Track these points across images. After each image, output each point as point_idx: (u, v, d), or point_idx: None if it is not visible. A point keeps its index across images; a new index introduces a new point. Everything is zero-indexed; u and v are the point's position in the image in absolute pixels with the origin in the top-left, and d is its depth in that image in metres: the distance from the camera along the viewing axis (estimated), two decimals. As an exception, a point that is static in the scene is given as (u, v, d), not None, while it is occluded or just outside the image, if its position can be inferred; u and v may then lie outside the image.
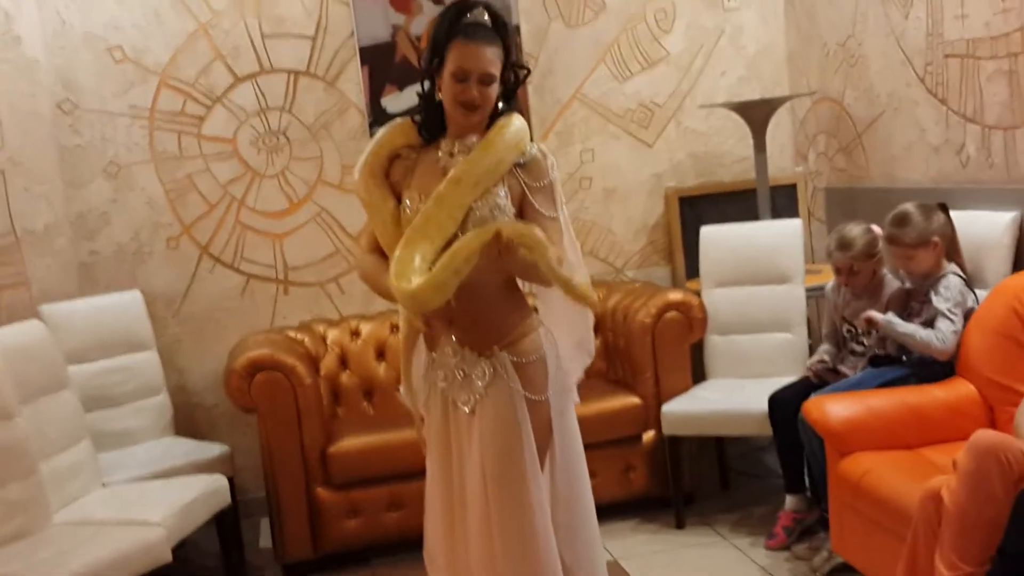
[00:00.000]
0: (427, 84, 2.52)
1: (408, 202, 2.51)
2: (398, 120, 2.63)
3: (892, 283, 3.63)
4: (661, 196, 4.98)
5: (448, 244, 2.42)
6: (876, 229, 3.61)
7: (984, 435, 2.51)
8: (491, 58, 2.42)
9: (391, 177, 2.57)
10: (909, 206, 3.41)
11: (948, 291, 3.35)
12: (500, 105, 2.52)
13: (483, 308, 2.48)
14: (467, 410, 2.52)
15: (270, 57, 4.57)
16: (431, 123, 2.55)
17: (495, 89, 2.45)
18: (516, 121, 2.52)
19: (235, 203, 4.60)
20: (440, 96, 2.48)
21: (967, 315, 3.35)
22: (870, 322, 3.46)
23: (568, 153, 4.90)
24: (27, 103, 4.20)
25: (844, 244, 3.61)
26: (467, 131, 2.52)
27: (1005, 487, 2.42)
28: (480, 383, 2.51)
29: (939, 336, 3.30)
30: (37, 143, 4.24)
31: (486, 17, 2.46)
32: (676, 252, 4.97)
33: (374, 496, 3.98)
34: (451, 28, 2.43)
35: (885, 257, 3.53)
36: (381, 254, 2.57)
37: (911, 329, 3.37)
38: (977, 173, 3.69)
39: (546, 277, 2.37)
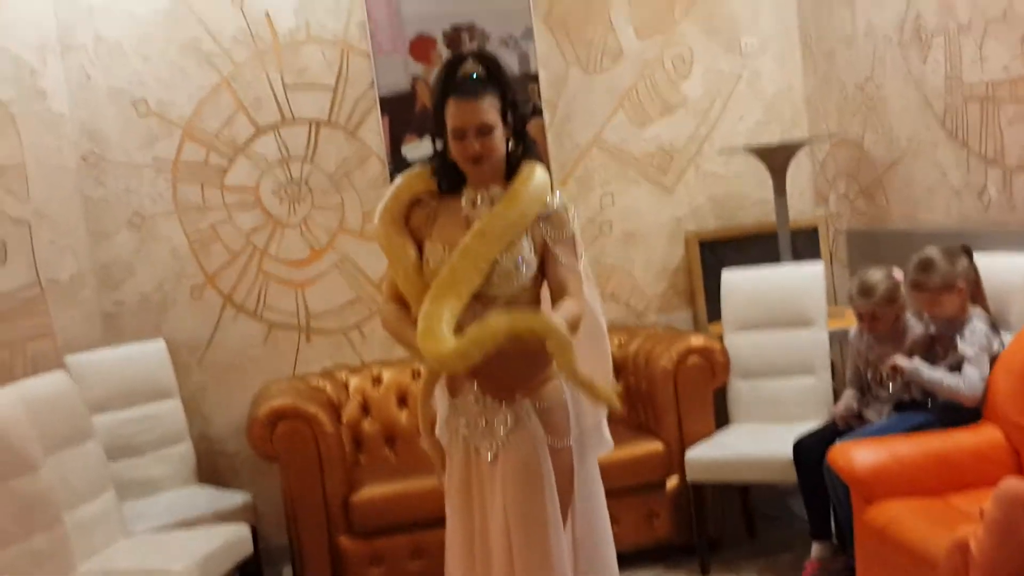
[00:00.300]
0: (439, 143, 2.57)
1: (432, 253, 2.53)
2: (416, 167, 2.66)
3: (915, 327, 3.60)
4: (681, 240, 4.98)
5: (474, 296, 2.45)
6: (897, 274, 3.58)
7: (1011, 484, 2.47)
8: (485, 108, 2.47)
9: (411, 223, 2.60)
10: (932, 250, 3.40)
11: (973, 335, 3.32)
12: (512, 145, 2.56)
13: (505, 357, 2.47)
14: (489, 456, 2.52)
15: (292, 108, 4.63)
16: (449, 177, 2.58)
17: (497, 136, 2.50)
18: (539, 172, 2.55)
19: (257, 252, 4.64)
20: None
21: (993, 359, 3.32)
22: (896, 369, 3.43)
23: (588, 198, 4.91)
24: (53, 156, 4.26)
25: (865, 290, 3.59)
26: (487, 180, 2.55)
27: (1034, 536, 2.39)
28: (502, 430, 2.51)
29: (967, 382, 3.27)
30: (62, 195, 4.30)
31: (479, 67, 2.50)
32: (697, 295, 4.96)
33: (397, 544, 3.97)
34: (445, 88, 2.50)
35: (909, 302, 3.50)
36: (403, 302, 2.58)
37: (938, 376, 3.34)
38: (999, 215, 3.67)
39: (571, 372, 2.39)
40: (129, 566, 3.38)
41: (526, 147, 2.59)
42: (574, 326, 2.43)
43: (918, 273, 3.38)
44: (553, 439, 2.53)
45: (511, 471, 2.49)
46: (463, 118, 2.47)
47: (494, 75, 2.51)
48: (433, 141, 2.60)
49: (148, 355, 4.37)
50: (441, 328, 2.39)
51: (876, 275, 3.60)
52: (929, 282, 3.35)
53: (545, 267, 2.53)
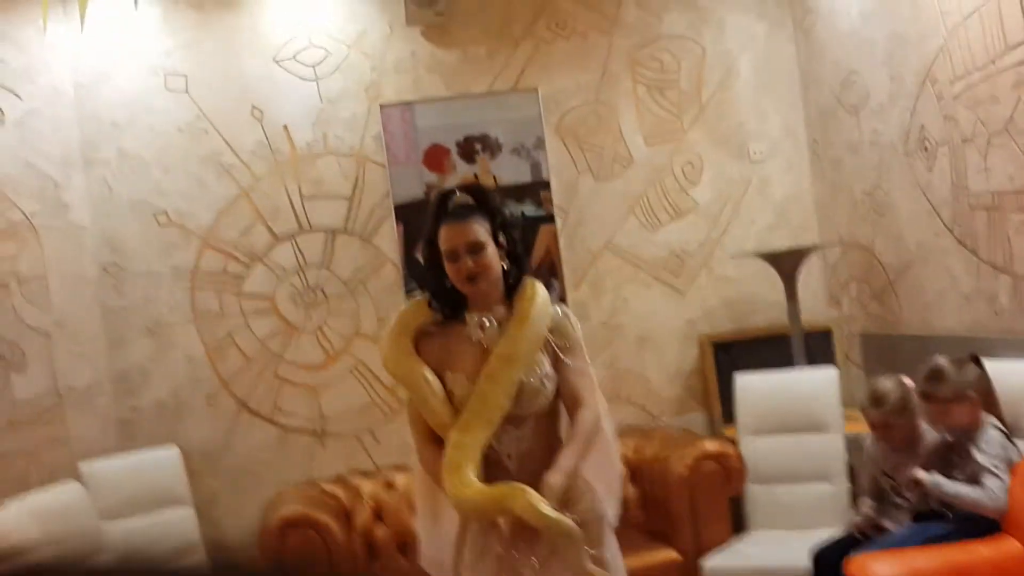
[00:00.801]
0: (435, 274, 2.64)
1: (455, 384, 2.58)
2: (414, 301, 2.74)
3: (930, 434, 3.58)
4: (695, 342, 5.00)
5: (505, 418, 2.53)
6: (909, 382, 3.57)
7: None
8: (475, 228, 2.57)
9: (422, 356, 2.64)
10: (941, 360, 3.40)
11: (989, 446, 3.30)
12: (508, 265, 2.64)
13: (540, 472, 2.50)
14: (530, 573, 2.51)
15: (309, 217, 4.71)
16: (450, 304, 2.66)
17: (490, 253, 2.58)
18: (539, 288, 2.65)
19: (273, 357, 4.67)
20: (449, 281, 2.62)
21: (1010, 467, 3.30)
22: (916, 483, 3.39)
23: (601, 302, 4.95)
24: (73, 267, 4.34)
25: (877, 400, 3.56)
26: (489, 302, 2.62)
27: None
28: (545, 548, 2.50)
29: (989, 495, 3.23)
30: (82, 305, 4.37)
31: (466, 197, 2.63)
32: (712, 397, 4.95)
33: (409, 659, 3.91)
34: (436, 217, 2.61)
35: (921, 412, 3.49)
36: (437, 440, 2.60)
37: (960, 490, 3.29)
38: (1011, 323, 3.68)
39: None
40: None
41: (521, 268, 2.67)
42: (594, 432, 2.54)
43: (927, 384, 3.38)
44: (594, 549, 2.54)
45: None
46: (454, 239, 2.56)
47: (481, 202, 2.63)
48: (429, 272, 2.66)
49: (161, 462, 4.37)
50: (466, 467, 2.44)
51: (887, 384, 3.57)
52: (939, 393, 3.35)
53: (559, 374, 2.60)
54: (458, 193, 2.64)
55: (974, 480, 3.30)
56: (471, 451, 2.47)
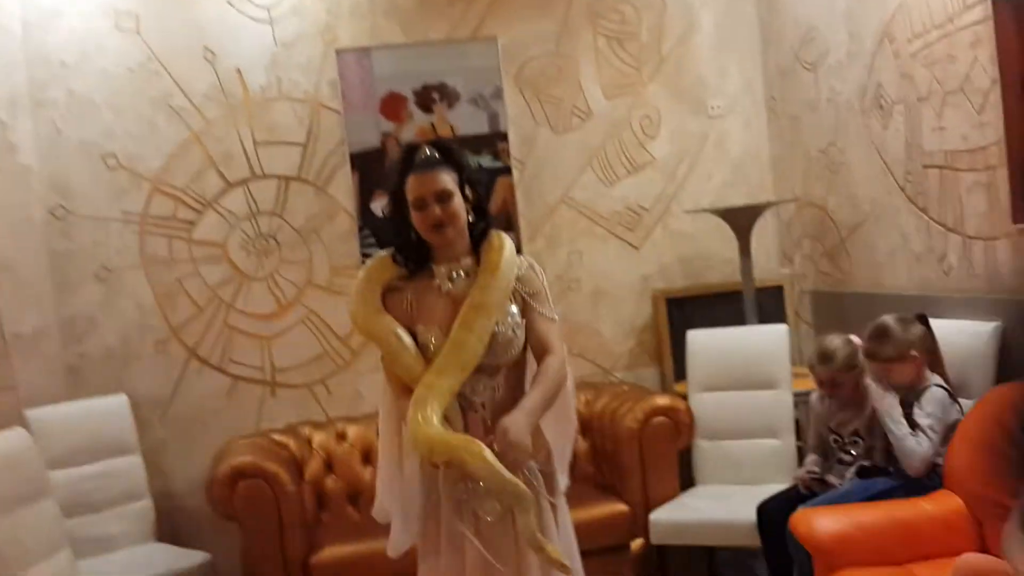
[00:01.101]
0: (401, 227, 2.62)
1: (426, 335, 2.57)
2: (378, 256, 2.71)
3: (873, 394, 3.62)
4: (649, 298, 5.01)
5: (478, 368, 2.53)
6: (856, 340, 3.62)
7: (969, 559, 2.49)
8: (443, 177, 2.57)
9: (391, 312, 2.63)
10: (888, 319, 3.43)
11: (929, 405, 3.35)
12: (474, 218, 2.64)
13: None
14: (490, 520, 2.51)
15: (262, 163, 4.64)
16: (415, 257, 2.64)
17: (457, 202, 2.58)
18: (506, 239, 2.67)
19: (224, 306, 4.62)
20: (415, 233, 2.60)
21: (952, 427, 3.35)
22: (879, 396, 3.40)
23: (556, 255, 4.94)
24: (19, 210, 4.24)
25: (825, 357, 3.62)
26: (456, 253, 2.62)
27: (991, 613, 2.39)
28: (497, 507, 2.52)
29: (918, 448, 3.31)
30: (28, 249, 4.28)
31: (434, 151, 2.62)
32: (664, 353, 4.97)
33: (358, 607, 3.92)
34: (403, 169, 2.60)
35: (866, 369, 3.53)
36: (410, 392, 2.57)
37: (903, 431, 3.35)
38: (960, 282, 3.71)
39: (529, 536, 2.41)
40: (83, 629, 3.32)
41: (487, 221, 2.68)
42: (561, 379, 2.56)
43: (871, 343, 3.42)
44: (553, 497, 2.61)
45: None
46: (422, 188, 2.56)
47: (448, 156, 2.63)
48: (394, 226, 2.64)
49: (110, 410, 4.32)
50: (431, 405, 2.43)
51: (835, 342, 3.64)
52: (882, 352, 3.39)
53: (528, 321, 2.62)
54: (426, 147, 2.63)
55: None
56: (440, 394, 2.46)
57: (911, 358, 3.38)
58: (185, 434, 4.57)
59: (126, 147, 4.51)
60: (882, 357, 3.39)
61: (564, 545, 2.61)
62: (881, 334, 3.41)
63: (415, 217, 2.58)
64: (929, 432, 3.31)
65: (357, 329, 2.70)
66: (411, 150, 2.64)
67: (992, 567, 2.45)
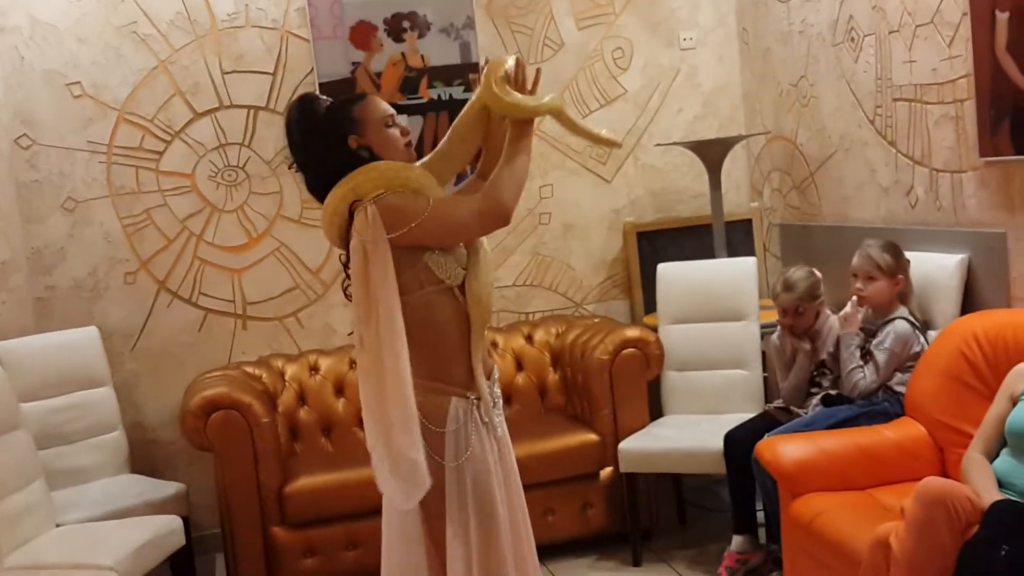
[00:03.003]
0: (348, 155, 2.51)
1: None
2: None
3: (836, 328, 3.70)
4: (620, 231, 5.03)
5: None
6: (817, 272, 3.76)
7: (932, 483, 2.55)
8: None
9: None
10: (873, 240, 3.59)
11: (888, 339, 3.48)
12: None
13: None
14: (500, 431, 2.57)
15: (230, 93, 4.58)
16: None
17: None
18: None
19: (193, 238, 4.59)
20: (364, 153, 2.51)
21: (915, 357, 3.43)
22: (847, 320, 3.55)
23: (528, 188, 4.87)
24: (-18, 139, 4.17)
25: (789, 286, 3.74)
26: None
27: (952, 536, 2.47)
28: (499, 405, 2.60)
29: (861, 379, 3.50)
30: (-7, 179, 4.22)
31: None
32: (635, 287, 5.01)
33: (331, 535, 3.97)
34: (343, 104, 2.57)
35: (856, 265, 3.60)
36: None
37: (853, 363, 3.51)
38: (926, 215, 3.76)
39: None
40: (58, 559, 3.34)
41: None
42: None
43: (884, 250, 3.53)
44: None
45: (511, 449, 2.63)
46: (386, 107, 2.55)
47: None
48: (344, 155, 2.50)
49: (80, 342, 4.31)
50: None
51: (798, 272, 3.76)
52: (881, 260, 3.51)
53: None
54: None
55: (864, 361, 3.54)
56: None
57: (897, 280, 3.52)
58: (157, 367, 4.57)
59: (91, 76, 4.44)
60: (881, 266, 3.52)
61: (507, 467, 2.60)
62: (891, 247, 3.56)
63: (386, 136, 2.51)
64: (880, 366, 3.45)
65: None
66: (310, 99, 2.59)
67: (951, 490, 2.52)
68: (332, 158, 2.49)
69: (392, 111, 2.56)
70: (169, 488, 4.07)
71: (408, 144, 2.56)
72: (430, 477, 2.37)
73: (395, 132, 2.53)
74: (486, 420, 2.52)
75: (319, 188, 2.52)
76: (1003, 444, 2.81)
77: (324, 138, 2.50)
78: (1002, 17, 3.20)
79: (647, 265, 4.84)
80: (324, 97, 2.61)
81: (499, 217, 2.41)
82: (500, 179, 2.41)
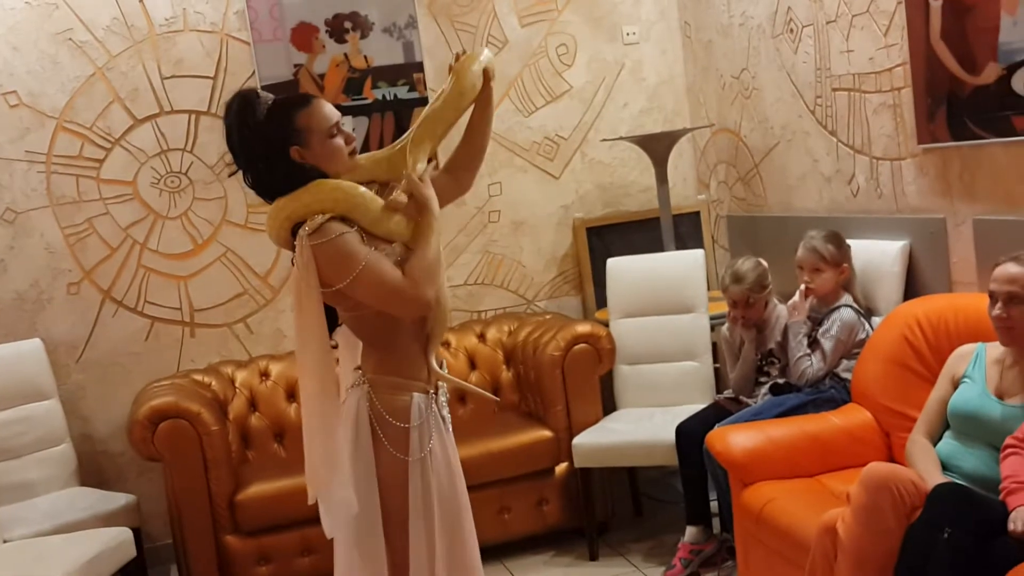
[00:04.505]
0: (292, 167, 2.39)
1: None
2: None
3: (783, 317, 3.74)
4: (569, 227, 5.03)
5: None
6: (764, 262, 3.80)
7: (876, 468, 2.58)
8: None
9: None
10: (815, 232, 3.62)
11: (834, 327, 3.52)
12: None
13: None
14: (449, 427, 2.54)
15: (170, 98, 4.52)
16: None
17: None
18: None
19: (137, 246, 4.52)
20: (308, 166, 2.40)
21: (860, 344, 3.46)
22: (795, 309, 3.60)
23: (476, 186, 4.76)
24: (-84, 151, 4.09)
25: (738, 277, 3.76)
26: (361, 177, 2.50)
27: (898, 519, 2.49)
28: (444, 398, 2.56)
29: (807, 368, 3.54)
30: (-73, 192, 4.13)
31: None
32: (586, 282, 5.02)
33: (285, 542, 3.94)
34: (286, 109, 2.39)
35: (801, 258, 3.63)
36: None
37: (800, 351, 3.55)
38: (867, 203, 3.80)
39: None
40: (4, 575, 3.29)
41: None
42: None
43: (828, 242, 3.57)
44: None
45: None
46: (332, 114, 2.42)
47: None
48: (286, 167, 2.38)
49: (24, 355, 4.24)
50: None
51: (746, 264, 3.79)
52: (826, 251, 3.55)
53: None
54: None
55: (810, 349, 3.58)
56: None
57: (842, 268, 3.57)
58: (104, 377, 4.50)
59: (27, 84, 4.36)
60: (824, 256, 3.56)
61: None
62: (834, 237, 3.59)
63: (330, 147, 2.40)
64: (827, 354, 3.50)
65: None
66: (249, 99, 2.42)
67: (895, 474, 2.55)
68: (274, 168, 2.38)
69: (337, 117, 2.42)
70: (119, 500, 4.01)
71: (352, 152, 2.45)
72: (386, 481, 2.38)
73: (339, 142, 2.41)
74: (444, 415, 2.52)
75: (262, 192, 2.44)
76: (946, 426, 2.85)
77: (265, 146, 2.36)
78: (935, 5, 3.24)
79: (598, 260, 4.85)
80: (265, 94, 2.44)
81: (417, 305, 2.36)
82: (412, 271, 2.34)
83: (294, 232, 2.36)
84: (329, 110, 2.42)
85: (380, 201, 2.39)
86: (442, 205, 2.47)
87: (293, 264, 2.40)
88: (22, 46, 4.34)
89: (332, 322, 2.45)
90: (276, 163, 2.37)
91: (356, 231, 2.34)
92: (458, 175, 2.66)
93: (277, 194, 2.39)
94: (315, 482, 2.41)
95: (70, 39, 4.39)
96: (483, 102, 2.59)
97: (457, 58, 2.60)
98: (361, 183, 2.44)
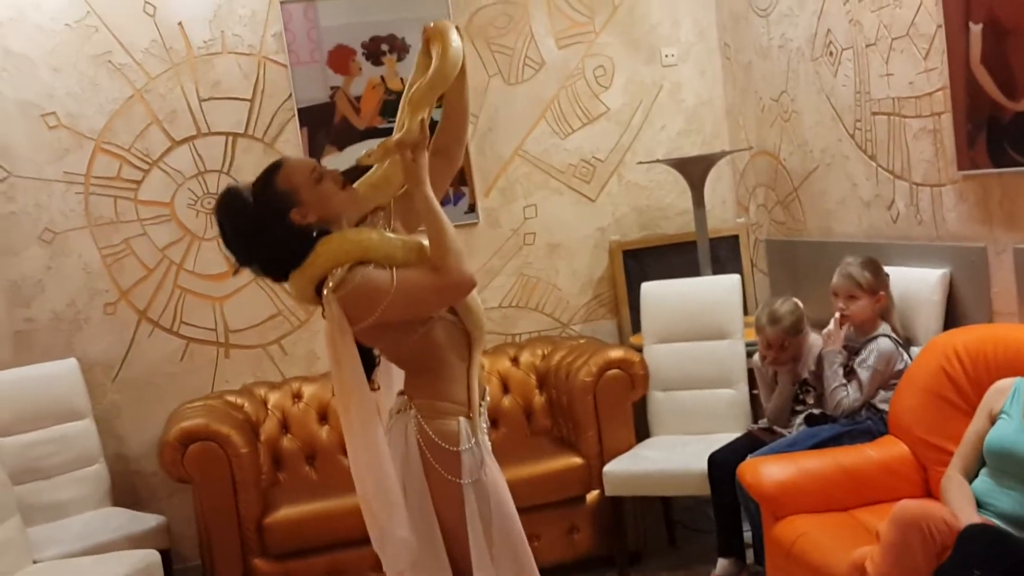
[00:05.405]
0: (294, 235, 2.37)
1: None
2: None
3: (816, 345, 3.66)
4: (605, 250, 4.98)
5: None
6: (800, 304, 3.74)
7: (907, 506, 2.50)
8: None
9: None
10: (853, 258, 3.53)
11: (871, 357, 3.42)
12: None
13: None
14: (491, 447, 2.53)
15: (207, 120, 4.55)
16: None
17: None
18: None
19: (173, 267, 4.55)
20: (313, 221, 2.38)
21: (898, 375, 3.37)
22: (830, 337, 3.51)
23: (511, 209, 4.90)
24: (-43, 172, 4.15)
25: (774, 319, 3.71)
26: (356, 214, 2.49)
27: (927, 559, 2.41)
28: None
29: (848, 400, 3.44)
30: (-32, 212, 4.19)
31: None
32: (622, 305, 4.96)
33: (313, 566, 3.92)
34: (266, 182, 2.37)
35: (836, 284, 3.55)
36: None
37: (836, 381, 3.45)
38: (907, 229, 3.71)
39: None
40: (33, 596, 3.31)
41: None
42: None
43: (863, 267, 3.48)
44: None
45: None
46: (307, 163, 2.42)
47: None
48: (292, 236, 2.35)
49: (59, 374, 4.27)
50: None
51: (785, 306, 3.72)
52: (861, 278, 3.46)
53: None
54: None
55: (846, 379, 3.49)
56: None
57: (879, 296, 3.47)
58: (139, 398, 4.53)
59: (67, 106, 4.41)
60: (860, 283, 3.46)
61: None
62: (872, 262, 3.51)
63: (322, 192, 2.36)
64: (863, 384, 3.39)
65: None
66: (234, 194, 2.41)
67: (926, 512, 2.46)
68: (283, 245, 2.34)
69: (313, 163, 2.41)
70: (149, 521, 4.02)
71: (345, 185, 2.42)
72: (441, 505, 2.38)
73: (327, 184, 2.38)
74: (486, 440, 2.50)
75: (274, 273, 2.42)
76: (982, 463, 2.76)
77: (266, 222, 2.34)
78: (975, 29, 3.16)
79: (633, 283, 4.79)
80: (243, 184, 2.42)
81: (461, 288, 2.35)
82: (439, 253, 2.31)
83: (318, 290, 2.35)
84: (302, 161, 2.44)
85: (388, 236, 2.38)
86: (439, 186, 2.47)
87: (324, 316, 2.39)
88: (62, 68, 4.40)
89: (368, 364, 2.45)
90: (281, 235, 2.34)
91: (373, 266, 2.33)
92: (448, 152, 2.61)
93: (288, 269, 2.37)
94: (374, 525, 2.39)
95: (109, 61, 4.44)
96: (461, 77, 2.54)
97: (426, 31, 2.52)
98: (368, 214, 2.46)
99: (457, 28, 2.52)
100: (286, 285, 2.43)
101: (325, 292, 2.31)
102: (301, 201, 2.35)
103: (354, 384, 2.36)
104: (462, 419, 2.43)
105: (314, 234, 2.36)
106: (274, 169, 2.39)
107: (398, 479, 2.39)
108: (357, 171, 2.51)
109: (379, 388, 2.51)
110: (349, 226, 2.42)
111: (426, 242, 2.37)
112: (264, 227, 2.34)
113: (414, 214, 2.44)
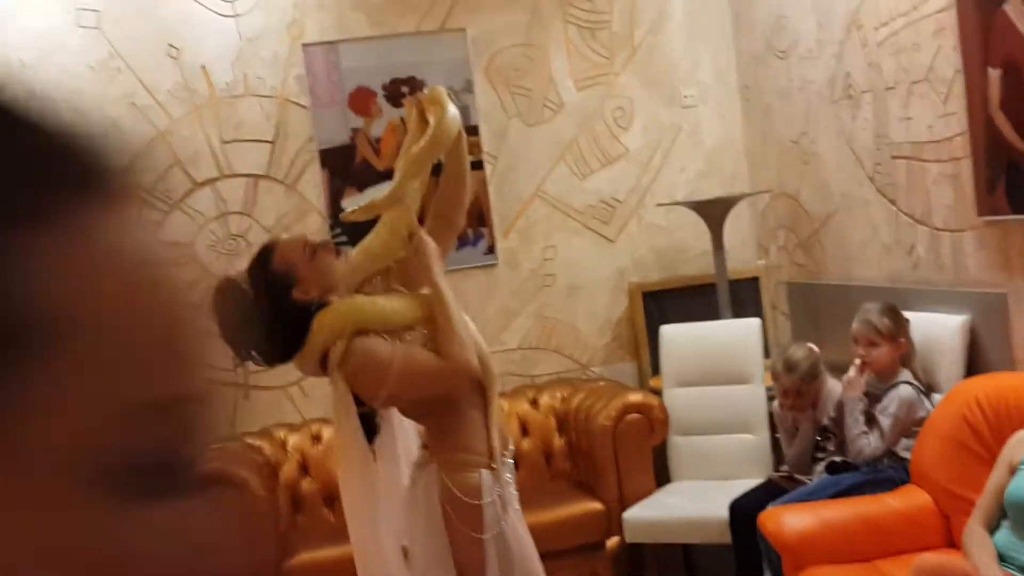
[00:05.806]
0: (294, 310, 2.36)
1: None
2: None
3: (835, 391, 3.62)
4: (625, 291, 4.97)
5: None
6: (816, 350, 3.70)
7: (926, 560, 2.46)
8: None
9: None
10: (872, 305, 3.49)
11: (892, 404, 3.37)
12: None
13: None
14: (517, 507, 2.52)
15: (230, 162, 4.59)
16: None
17: None
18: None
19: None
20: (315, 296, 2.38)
21: (919, 422, 3.33)
22: (851, 384, 3.45)
23: (530, 250, 4.90)
24: (-18, 214, 4.19)
25: (790, 366, 3.67)
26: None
27: (948, 614, 2.37)
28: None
29: (869, 449, 3.38)
30: (-8, 254, 4.23)
31: None
32: (641, 347, 4.93)
33: (331, 611, 3.89)
34: (261, 267, 2.36)
35: (856, 331, 3.51)
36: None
37: (857, 429, 3.40)
38: (928, 274, 3.68)
39: None
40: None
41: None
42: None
43: (883, 314, 3.43)
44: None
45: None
46: (297, 239, 2.43)
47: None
48: (290, 313, 2.33)
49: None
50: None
51: (799, 352, 3.69)
52: (881, 325, 3.41)
53: None
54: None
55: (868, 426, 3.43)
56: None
57: (899, 343, 3.42)
58: (158, 437, 4.53)
59: (91, 149, 4.46)
60: (880, 329, 3.42)
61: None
62: (890, 310, 3.46)
63: (317, 267, 2.36)
64: (885, 432, 3.34)
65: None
66: (233, 287, 2.36)
67: (945, 568, 2.42)
68: (288, 326, 2.33)
69: (304, 238, 2.42)
70: (166, 563, 4.01)
71: (338, 253, 2.44)
72: (461, 558, 2.38)
73: (323, 258, 2.38)
74: (511, 491, 2.49)
75: (277, 358, 2.44)
76: (1004, 514, 2.71)
77: (271, 312, 2.33)
78: (994, 74, 3.15)
79: (653, 325, 4.76)
80: (235, 276, 2.39)
81: (461, 375, 2.38)
82: (442, 345, 2.35)
83: (322, 364, 2.37)
84: (293, 239, 2.44)
85: (379, 302, 2.41)
86: (441, 249, 2.50)
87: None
88: (85, 109, 4.44)
89: (370, 431, 2.45)
90: (285, 316, 2.33)
91: (374, 335, 2.34)
92: (448, 217, 2.64)
93: (292, 351, 2.37)
94: None
95: (132, 103, 4.49)
96: (458, 143, 2.55)
97: (418, 101, 2.55)
98: (366, 281, 2.50)
99: (451, 95, 2.54)
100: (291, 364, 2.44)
101: (330, 367, 2.32)
102: (300, 278, 2.34)
103: (354, 454, 2.40)
104: (483, 471, 2.41)
105: (312, 309, 2.34)
106: (267, 253, 2.38)
107: (419, 535, 2.40)
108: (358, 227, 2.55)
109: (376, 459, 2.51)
110: (348, 292, 2.43)
111: (423, 291, 2.42)
112: (268, 312, 2.33)
113: (413, 276, 2.46)
